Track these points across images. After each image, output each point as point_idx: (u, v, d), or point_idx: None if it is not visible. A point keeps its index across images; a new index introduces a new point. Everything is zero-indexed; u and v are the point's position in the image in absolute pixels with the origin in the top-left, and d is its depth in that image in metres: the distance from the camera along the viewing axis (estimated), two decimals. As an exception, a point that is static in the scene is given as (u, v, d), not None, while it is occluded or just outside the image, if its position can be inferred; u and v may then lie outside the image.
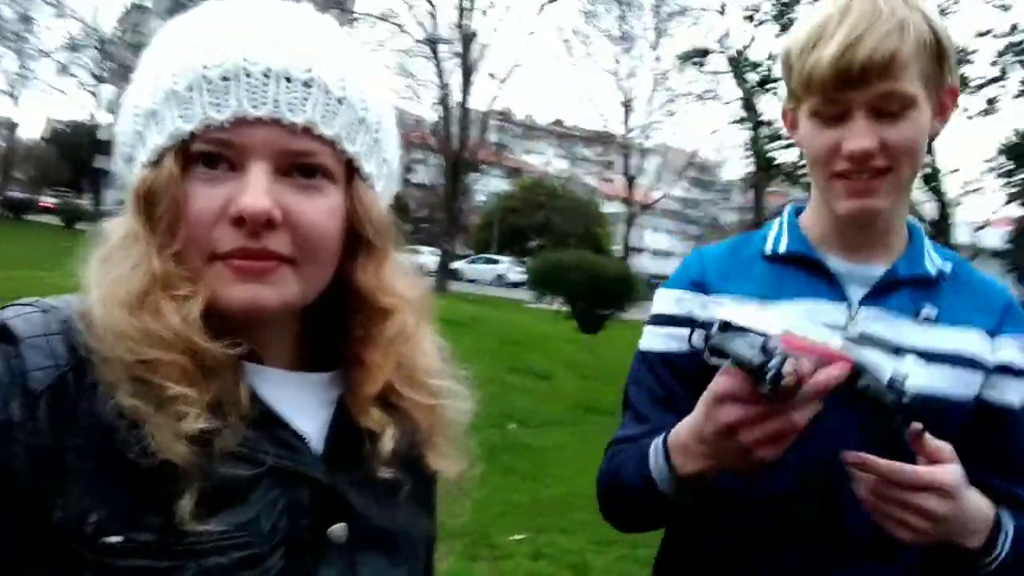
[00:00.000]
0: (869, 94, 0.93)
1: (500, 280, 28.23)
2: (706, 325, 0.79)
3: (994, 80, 8.67)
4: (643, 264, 38.90)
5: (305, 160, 0.64)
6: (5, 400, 0.57)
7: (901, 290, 1.02)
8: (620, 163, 34.03)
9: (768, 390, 0.72)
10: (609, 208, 41.09)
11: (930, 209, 9.03)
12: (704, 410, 0.83)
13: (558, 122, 51.97)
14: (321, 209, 0.65)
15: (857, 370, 0.78)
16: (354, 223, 0.68)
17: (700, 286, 1.08)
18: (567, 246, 23.59)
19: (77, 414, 0.59)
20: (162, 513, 0.58)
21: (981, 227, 11.96)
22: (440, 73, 22.17)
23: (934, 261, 1.05)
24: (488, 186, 40.60)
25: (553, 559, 3.90)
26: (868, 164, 0.95)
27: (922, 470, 0.84)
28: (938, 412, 0.95)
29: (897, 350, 0.99)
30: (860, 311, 1.01)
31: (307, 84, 0.63)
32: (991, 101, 8.99)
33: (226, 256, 0.62)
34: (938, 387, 0.97)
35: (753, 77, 10.49)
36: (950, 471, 0.85)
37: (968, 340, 1.00)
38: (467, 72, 21.93)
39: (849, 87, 0.93)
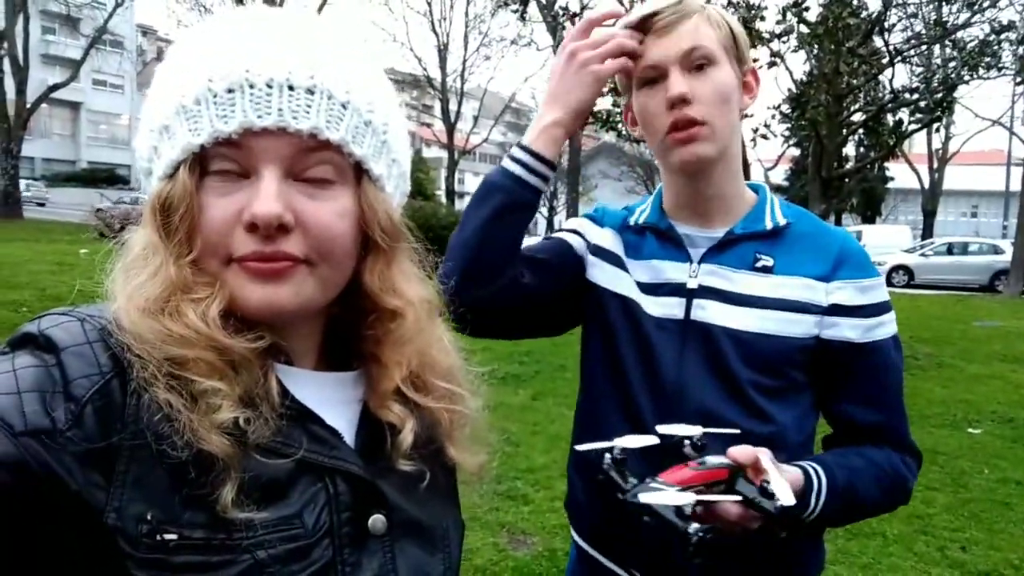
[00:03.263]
0: (678, 50, 1.11)
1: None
2: (609, 460, 0.98)
3: (778, 36, 9.63)
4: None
5: (313, 165, 0.66)
6: (50, 408, 0.57)
7: (739, 245, 1.17)
8: (438, 108, 33.78)
9: (691, 551, 0.86)
10: (429, 154, 40.81)
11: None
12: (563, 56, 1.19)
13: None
14: (332, 211, 0.67)
15: (733, 475, 0.96)
16: (363, 225, 0.70)
17: (596, 221, 1.33)
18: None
19: (124, 418, 0.59)
20: (209, 509, 0.60)
21: (771, 167, 13.42)
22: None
23: (775, 218, 1.18)
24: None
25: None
26: (685, 112, 1.10)
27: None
28: (770, 349, 1.12)
29: (734, 298, 1.14)
30: (701, 267, 1.17)
31: (310, 91, 0.65)
32: (775, 54, 10.03)
33: (242, 259, 0.64)
34: (773, 328, 1.12)
35: (569, 26, 10.84)
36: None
37: (801, 286, 1.13)
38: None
39: (656, 40, 1.13)
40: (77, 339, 0.61)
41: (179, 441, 0.59)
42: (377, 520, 0.69)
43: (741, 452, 0.96)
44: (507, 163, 1.17)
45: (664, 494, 0.90)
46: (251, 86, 0.63)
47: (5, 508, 0.55)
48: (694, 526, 0.86)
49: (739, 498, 0.94)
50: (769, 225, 1.18)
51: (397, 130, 0.74)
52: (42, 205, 28.16)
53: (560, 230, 1.35)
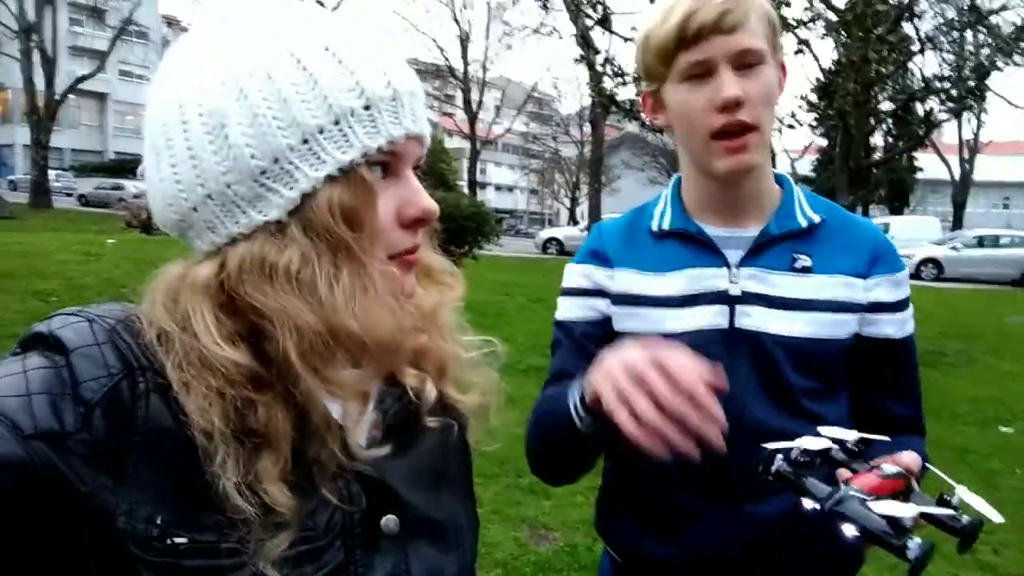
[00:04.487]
0: (728, 46, 1.03)
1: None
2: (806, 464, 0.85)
3: (805, 23, 9.46)
4: (488, 198, 39.24)
5: (417, 167, 0.71)
6: (58, 411, 0.57)
7: (776, 246, 1.12)
8: (460, 97, 33.74)
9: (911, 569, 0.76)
10: (451, 143, 40.81)
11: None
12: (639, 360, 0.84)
13: (394, 54, 50.20)
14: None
15: (908, 487, 0.86)
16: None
17: (604, 259, 1.20)
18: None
19: (134, 421, 0.59)
20: (220, 511, 0.59)
21: (798, 158, 13.22)
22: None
23: (806, 213, 1.14)
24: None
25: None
26: (738, 117, 1.04)
27: None
28: (819, 353, 1.09)
29: (779, 302, 1.10)
30: (740, 272, 1.12)
31: (420, 99, 0.70)
32: (802, 41, 9.85)
33: (404, 253, 0.68)
34: (820, 331, 1.09)
35: (593, 14, 10.74)
36: None
37: (841, 285, 1.11)
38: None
39: (708, 35, 1.03)
40: (86, 340, 0.61)
41: (202, 463, 0.59)
42: (390, 520, 0.68)
43: (911, 459, 0.88)
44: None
45: (885, 504, 0.78)
46: (411, 93, 0.68)
47: (15, 510, 0.55)
48: (915, 541, 0.75)
49: (952, 512, 0.82)
50: (803, 223, 1.14)
51: None
52: (70, 195, 28.57)
53: (558, 324, 1.22)
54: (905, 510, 0.76)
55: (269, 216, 0.62)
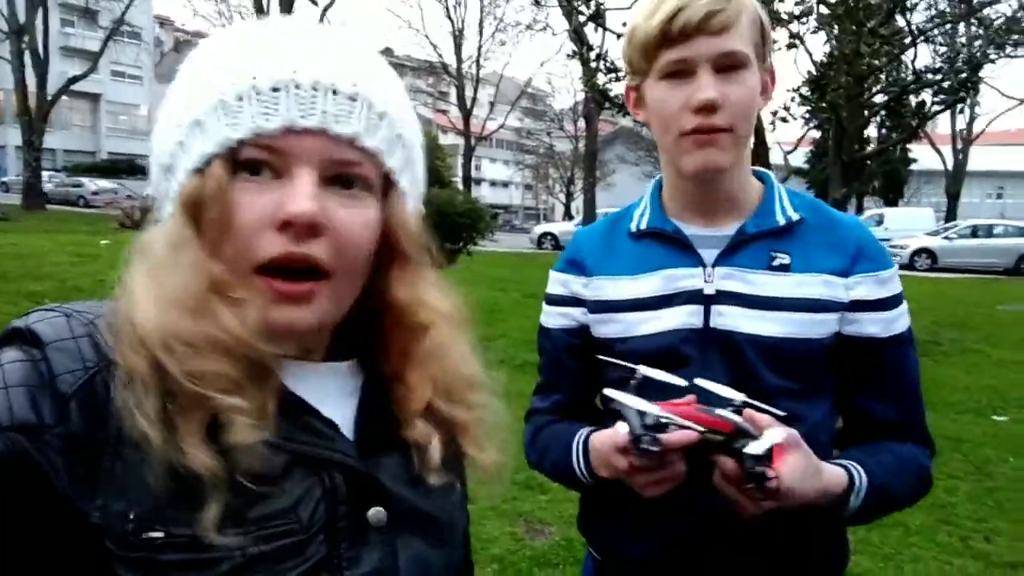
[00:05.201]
0: (711, 48, 1.02)
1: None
2: (626, 373, 1.00)
3: (797, 17, 9.46)
4: (483, 194, 39.21)
5: (348, 171, 0.66)
6: (36, 404, 0.57)
7: (753, 244, 1.11)
8: (454, 94, 33.69)
9: (638, 455, 0.93)
10: (445, 140, 40.74)
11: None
12: (606, 453, 1.03)
13: (388, 51, 50.26)
14: (360, 220, 0.66)
15: (737, 431, 0.92)
16: (390, 235, 0.70)
17: (580, 267, 1.22)
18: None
19: (108, 414, 0.59)
20: (197, 507, 0.58)
21: (791, 151, 13.25)
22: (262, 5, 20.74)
23: (786, 211, 1.13)
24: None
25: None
26: (712, 120, 1.03)
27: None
28: (796, 353, 1.07)
29: (755, 301, 1.09)
30: (715, 271, 1.11)
31: (352, 98, 0.65)
32: (795, 35, 9.86)
33: (270, 263, 0.63)
34: (797, 331, 1.07)
35: (585, 10, 10.72)
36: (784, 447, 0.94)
37: (821, 283, 1.09)
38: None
39: (692, 35, 1.02)
40: (62, 334, 0.61)
41: (158, 456, 0.57)
42: (377, 512, 0.68)
43: (764, 420, 0.94)
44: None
45: (637, 400, 0.91)
46: (297, 86, 0.63)
47: None
48: (644, 432, 0.91)
49: (701, 430, 0.92)
50: (782, 221, 1.13)
51: (419, 151, 0.75)
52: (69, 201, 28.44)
53: (542, 329, 1.27)
54: (649, 408, 0.91)
55: (166, 209, 0.67)
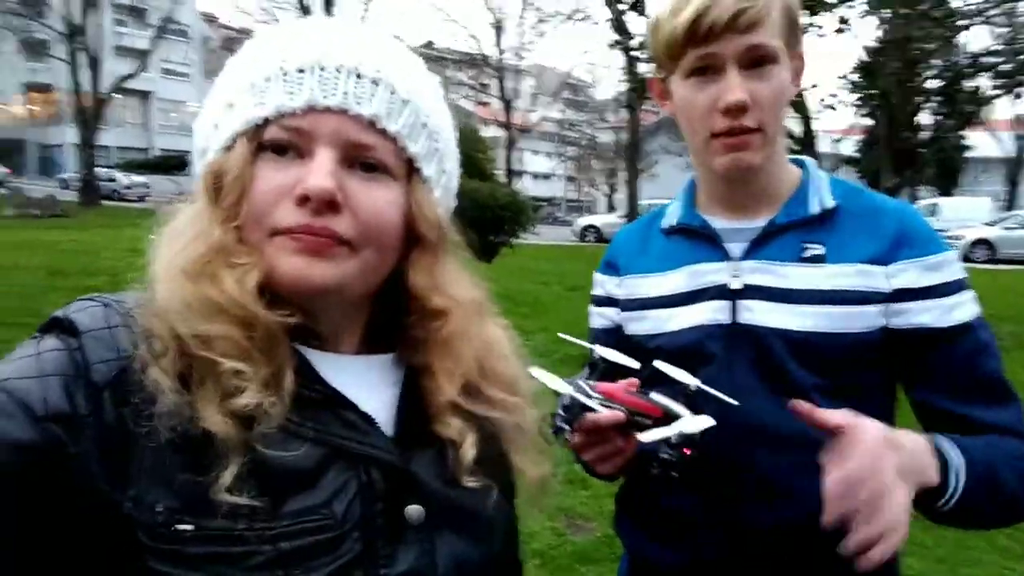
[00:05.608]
0: (739, 45, 0.98)
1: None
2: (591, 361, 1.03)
3: (844, 1, 9.19)
4: (525, 187, 39.21)
5: (368, 153, 0.66)
6: (71, 393, 0.57)
7: (783, 236, 1.06)
8: (495, 86, 33.68)
9: (555, 434, 0.94)
10: (487, 132, 40.78)
11: (795, 124, 9.70)
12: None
13: (429, 44, 50.45)
14: (383, 198, 0.67)
15: (667, 416, 0.93)
16: (411, 221, 0.69)
17: (614, 268, 1.22)
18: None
19: (141, 404, 0.58)
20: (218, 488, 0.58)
21: (839, 140, 12.92)
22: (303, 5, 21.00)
23: (822, 200, 1.07)
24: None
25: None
26: (741, 121, 1.00)
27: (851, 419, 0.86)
28: (828, 348, 1.01)
29: (783, 295, 1.04)
30: (743, 265, 1.07)
31: (375, 82, 0.66)
32: (843, 20, 9.58)
33: (288, 231, 0.63)
34: (828, 324, 1.01)
35: (627, -1, 10.59)
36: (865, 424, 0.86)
37: (856, 273, 1.02)
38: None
39: (720, 35, 0.98)
40: (98, 323, 0.62)
41: (178, 423, 0.58)
42: (414, 510, 0.66)
43: (695, 414, 0.93)
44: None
45: (556, 380, 0.94)
46: (321, 68, 0.65)
47: (24, 492, 0.55)
48: (560, 415, 0.95)
49: (623, 411, 0.94)
50: (816, 209, 1.07)
51: (449, 144, 0.75)
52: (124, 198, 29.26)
53: (590, 330, 1.26)
54: (563, 388, 0.94)
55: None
